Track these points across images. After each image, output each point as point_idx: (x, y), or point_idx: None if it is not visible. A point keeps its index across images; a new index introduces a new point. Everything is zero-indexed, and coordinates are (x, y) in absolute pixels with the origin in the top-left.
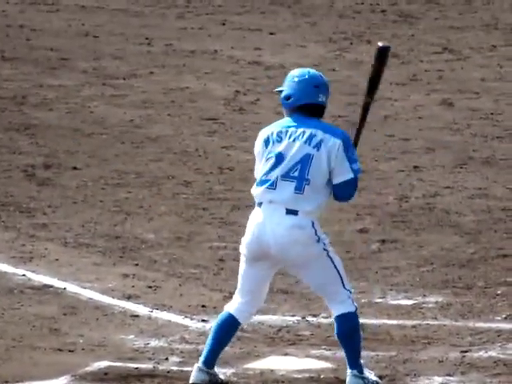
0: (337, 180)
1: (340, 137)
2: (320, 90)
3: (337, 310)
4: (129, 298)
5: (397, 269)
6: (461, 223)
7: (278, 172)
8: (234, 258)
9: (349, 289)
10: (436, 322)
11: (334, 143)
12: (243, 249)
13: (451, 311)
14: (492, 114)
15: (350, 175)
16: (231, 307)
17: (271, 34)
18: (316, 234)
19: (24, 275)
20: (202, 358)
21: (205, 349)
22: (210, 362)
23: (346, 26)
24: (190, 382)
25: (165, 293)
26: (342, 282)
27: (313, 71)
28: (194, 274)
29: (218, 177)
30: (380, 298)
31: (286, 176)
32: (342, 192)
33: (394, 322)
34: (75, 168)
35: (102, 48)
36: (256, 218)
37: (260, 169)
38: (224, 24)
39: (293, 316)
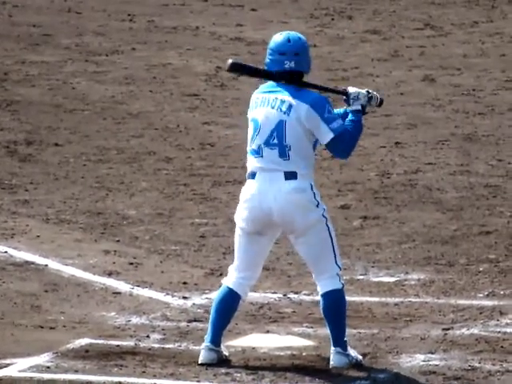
0: (323, 140)
1: (307, 101)
2: (286, 56)
3: (324, 287)
4: (110, 274)
5: (378, 245)
6: (443, 200)
7: (259, 140)
8: (215, 234)
9: (340, 265)
10: (418, 300)
11: (302, 108)
12: (241, 223)
13: (433, 288)
14: (474, 90)
15: (331, 135)
16: (229, 281)
17: (253, 10)
18: (315, 197)
19: (6, 252)
20: (208, 337)
21: (210, 327)
22: (217, 340)
23: (327, 1)
24: (200, 361)
25: (146, 269)
26: (335, 257)
27: (283, 37)
28: (175, 251)
29: (199, 153)
30: (362, 274)
31: (267, 143)
32: (335, 149)
33: (376, 299)
34: (57, 144)
35: (84, 24)
36: (252, 189)
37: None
38: (206, 0)
39: (274, 293)
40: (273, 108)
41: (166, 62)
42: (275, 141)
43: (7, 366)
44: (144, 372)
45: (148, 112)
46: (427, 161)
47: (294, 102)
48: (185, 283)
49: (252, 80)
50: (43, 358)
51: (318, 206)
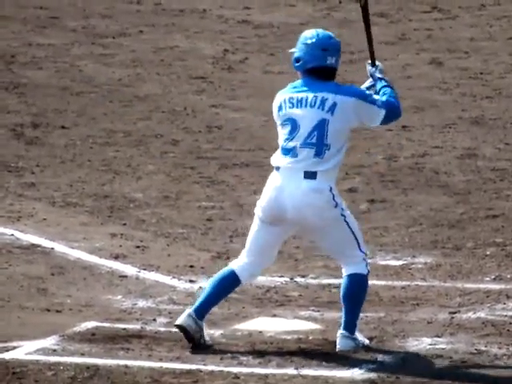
0: (377, 121)
1: (351, 94)
2: (328, 52)
3: (348, 270)
4: (116, 257)
5: (385, 229)
6: (450, 183)
7: (296, 141)
8: (222, 217)
9: (364, 251)
10: (425, 283)
11: (348, 102)
12: (258, 211)
13: (440, 272)
14: (481, 73)
15: (383, 112)
16: (235, 264)
17: None
18: (334, 199)
19: (12, 235)
20: (193, 306)
21: (199, 299)
22: (200, 312)
23: None
24: (176, 323)
25: (152, 253)
26: (358, 245)
27: (323, 33)
28: (182, 234)
29: (206, 136)
30: (369, 258)
31: (304, 144)
32: (390, 118)
33: (383, 282)
34: (63, 127)
35: (91, 7)
36: (274, 182)
37: (279, 135)
38: None
39: (281, 277)
40: (312, 107)
41: (173, 45)
42: (313, 140)
43: (14, 348)
44: (150, 355)
45: (155, 95)
46: (434, 144)
47: (336, 98)
48: (191, 266)
49: (259, 63)
50: (50, 341)
51: (336, 206)
